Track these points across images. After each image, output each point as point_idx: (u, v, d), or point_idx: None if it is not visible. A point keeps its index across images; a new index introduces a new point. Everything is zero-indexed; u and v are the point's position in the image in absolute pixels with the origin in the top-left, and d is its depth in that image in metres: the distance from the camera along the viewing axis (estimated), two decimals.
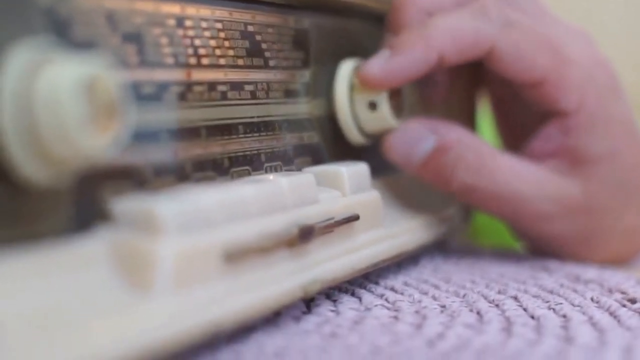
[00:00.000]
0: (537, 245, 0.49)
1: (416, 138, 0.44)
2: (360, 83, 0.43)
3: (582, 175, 0.46)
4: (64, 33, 0.29)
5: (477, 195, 0.45)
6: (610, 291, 0.40)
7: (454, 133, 0.45)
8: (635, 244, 0.49)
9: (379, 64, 0.43)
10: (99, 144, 0.27)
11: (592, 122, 0.45)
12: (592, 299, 0.39)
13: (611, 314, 0.36)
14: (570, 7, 0.89)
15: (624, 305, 0.38)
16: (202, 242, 0.30)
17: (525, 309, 0.37)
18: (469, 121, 0.54)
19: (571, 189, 0.46)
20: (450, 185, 0.45)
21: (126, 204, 0.30)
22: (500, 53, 0.44)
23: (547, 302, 0.38)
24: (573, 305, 0.38)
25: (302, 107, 0.42)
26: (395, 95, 0.44)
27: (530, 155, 0.47)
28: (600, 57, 0.47)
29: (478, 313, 0.37)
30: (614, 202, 0.47)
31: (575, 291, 0.40)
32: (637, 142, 0.47)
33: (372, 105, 0.43)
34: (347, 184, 0.39)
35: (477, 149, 0.44)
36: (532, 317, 0.36)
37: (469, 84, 0.53)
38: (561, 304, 0.38)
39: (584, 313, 0.36)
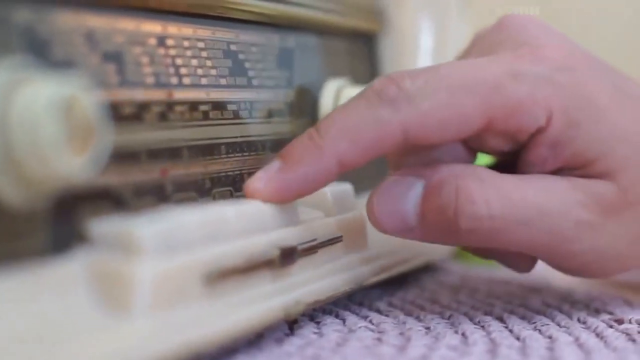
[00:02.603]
0: (585, 272, 0.38)
1: (401, 192, 0.36)
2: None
3: (603, 172, 0.36)
4: (43, 52, 0.29)
5: (497, 230, 0.35)
6: (597, 312, 0.40)
7: (441, 168, 0.36)
8: None
9: (265, 178, 0.35)
10: (76, 164, 0.26)
11: (571, 121, 0.36)
12: (578, 320, 0.38)
13: (597, 334, 0.36)
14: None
15: (611, 326, 0.37)
16: (182, 263, 0.29)
17: (511, 331, 0.37)
18: None
19: (601, 186, 0.36)
20: (459, 230, 0.35)
21: (104, 226, 0.29)
22: (419, 132, 0.35)
23: (533, 323, 0.38)
24: (559, 326, 0.38)
25: (286, 127, 0.42)
26: None
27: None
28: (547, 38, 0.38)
29: (463, 334, 0.36)
30: None
31: (561, 312, 0.40)
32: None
33: None
34: (331, 205, 0.39)
35: (476, 175, 0.35)
36: (518, 339, 0.36)
37: None
38: (547, 324, 0.37)
39: (570, 334, 0.36)
